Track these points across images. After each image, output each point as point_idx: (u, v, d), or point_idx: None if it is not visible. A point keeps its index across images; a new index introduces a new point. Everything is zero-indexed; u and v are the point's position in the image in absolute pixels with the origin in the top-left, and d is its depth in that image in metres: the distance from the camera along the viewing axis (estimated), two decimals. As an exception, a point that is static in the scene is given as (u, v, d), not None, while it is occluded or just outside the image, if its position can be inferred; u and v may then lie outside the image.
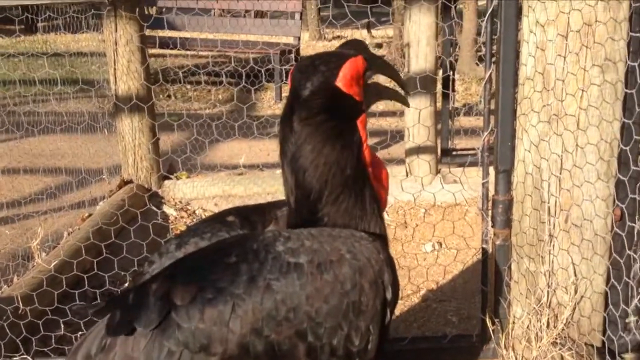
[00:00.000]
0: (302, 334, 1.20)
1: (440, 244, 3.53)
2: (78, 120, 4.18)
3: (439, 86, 4.38)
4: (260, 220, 1.51)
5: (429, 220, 3.80)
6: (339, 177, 1.36)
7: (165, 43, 6.77)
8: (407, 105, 1.65)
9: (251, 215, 1.52)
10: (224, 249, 1.32)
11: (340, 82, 1.37)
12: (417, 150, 3.97)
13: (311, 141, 1.35)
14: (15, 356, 2.19)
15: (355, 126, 1.40)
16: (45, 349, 2.25)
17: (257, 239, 1.31)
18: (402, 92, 1.64)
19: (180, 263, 1.35)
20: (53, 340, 2.32)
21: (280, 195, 1.50)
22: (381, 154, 4.73)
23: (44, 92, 4.61)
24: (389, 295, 1.32)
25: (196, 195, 4.25)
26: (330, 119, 1.36)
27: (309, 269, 1.23)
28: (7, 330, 2.26)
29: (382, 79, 1.60)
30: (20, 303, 2.38)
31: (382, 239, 1.42)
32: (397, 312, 2.87)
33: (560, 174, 1.94)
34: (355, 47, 1.49)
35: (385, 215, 3.88)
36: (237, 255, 1.26)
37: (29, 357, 2.18)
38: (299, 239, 1.29)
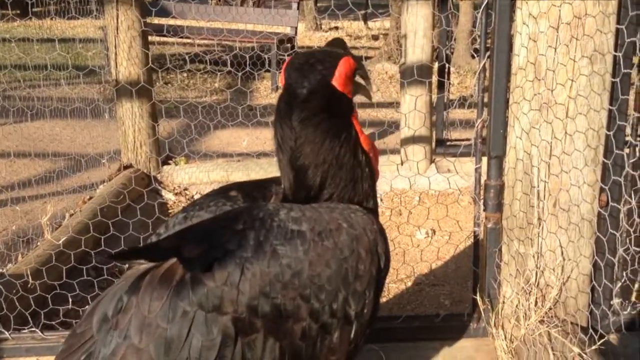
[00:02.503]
0: (305, 296, 1.28)
1: (434, 231, 3.62)
2: (77, 106, 4.23)
3: (435, 78, 4.46)
4: (261, 195, 1.58)
5: (423, 208, 3.89)
6: (338, 172, 1.44)
7: (159, 30, 6.80)
8: (370, 98, 1.70)
9: (252, 191, 1.59)
10: (231, 218, 1.38)
11: (336, 81, 1.42)
12: (412, 139, 4.05)
13: (311, 141, 1.41)
14: (24, 329, 2.26)
15: (350, 123, 1.47)
16: (53, 322, 2.31)
17: (262, 208, 1.38)
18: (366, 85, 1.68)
19: (189, 229, 1.43)
20: (61, 314, 2.40)
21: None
22: (377, 143, 4.81)
23: (42, 77, 4.66)
24: (382, 263, 1.40)
25: (194, 181, 4.33)
26: (328, 118, 1.41)
27: (311, 236, 1.31)
28: (17, 304, 2.32)
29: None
30: (30, 277, 2.45)
31: (373, 212, 1.50)
32: (391, 294, 2.97)
33: (550, 160, 2.02)
34: (337, 47, 1.54)
35: (379, 202, 3.97)
36: (245, 223, 1.33)
37: (37, 330, 2.25)
38: (300, 209, 1.37)
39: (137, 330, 1.25)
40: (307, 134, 1.41)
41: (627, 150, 2.01)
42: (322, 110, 1.41)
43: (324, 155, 1.42)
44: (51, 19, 4.80)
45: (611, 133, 1.94)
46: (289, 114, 1.41)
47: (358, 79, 1.55)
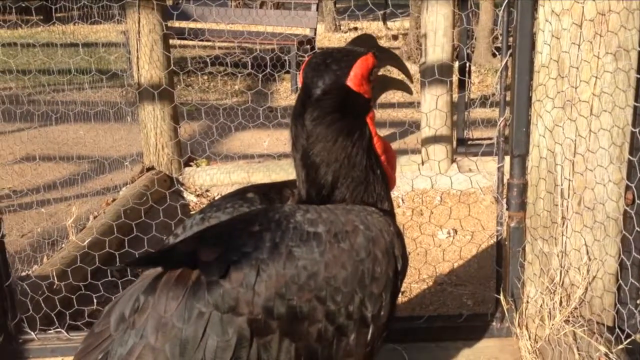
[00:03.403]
0: (321, 298, 1.28)
1: (456, 231, 3.60)
2: (100, 109, 4.28)
3: (455, 77, 4.43)
4: (278, 196, 1.58)
5: (444, 207, 3.87)
6: (349, 172, 1.44)
7: (180, 33, 6.84)
8: (411, 92, 1.69)
9: (269, 192, 1.59)
10: (247, 220, 1.39)
11: (351, 82, 1.43)
12: (434, 139, 4.03)
13: (322, 140, 1.41)
14: (50, 329, 2.29)
15: (364, 123, 1.46)
16: (79, 323, 2.34)
17: (278, 210, 1.38)
18: (407, 81, 1.68)
19: (206, 231, 1.43)
20: (86, 314, 2.43)
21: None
22: (397, 144, 4.79)
23: (66, 82, 4.72)
24: (399, 265, 1.39)
25: (215, 182, 4.35)
26: (341, 118, 1.42)
27: (327, 238, 1.31)
28: (42, 305, 2.35)
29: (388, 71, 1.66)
30: (55, 278, 2.49)
31: (390, 214, 1.49)
32: (413, 294, 2.96)
33: (574, 158, 2.00)
34: (366, 42, 1.54)
35: (400, 202, 3.95)
36: (260, 225, 1.33)
37: (63, 331, 2.28)
38: (316, 211, 1.37)
39: (153, 330, 1.26)
40: (318, 133, 1.41)
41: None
42: (335, 109, 1.41)
43: (335, 154, 1.42)
44: (74, 24, 4.87)
45: (637, 130, 1.91)
46: (302, 113, 1.43)
47: (382, 71, 1.55)
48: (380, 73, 1.55)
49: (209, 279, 1.26)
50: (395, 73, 1.72)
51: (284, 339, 1.27)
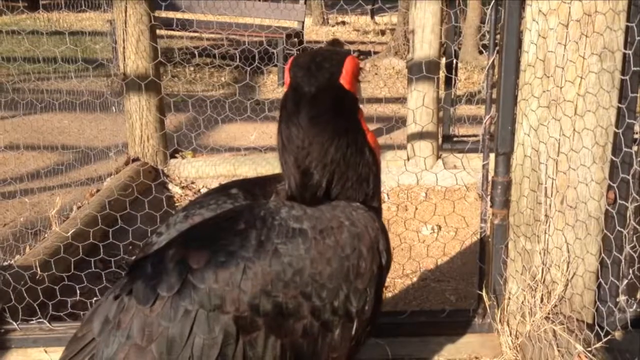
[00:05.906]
0: (306, 294, 1.28)
1: (440, 227, 3.62)
2: (86, 99, 4.25)
3: (442, 74, 4.45)
4: (262, 192, 1.57)
5: (429, 204, 3.89)
6: (345, 172, 1.43)
7: (168, 24, 6.80)
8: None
9: (253, 188, 1.58)
10: (232, 217, 1.38)
11: (344, 80, 1.41)
12: (420, 135, 4.05)
13: (319, 140, 1.38)
14: (32, 320, 2.28)
15: (358, 122, 1.46)
16: (61, 314, 2.33)
17: (263, 207, 1.38)
18: None
19: (192, 231, 1.42)
20: (69, 305, 2.42)
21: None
22: (383, 139, 4.81)
23: (51, 70, 4.67)
24: (383, 260, 1.40)
25: (201, 175, 4.33)
26: (336, 116, 1.40)
27: (312, 234, 1.31)
28: (25, 295, 2.34)
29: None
30: (38, 269, 2.47)
31: (375, 210, 1.48)
32: (397, 289, 2.97)
33: (558, 157, 2.02)
34: (337, 45, 1.56)
35: (386, 197, 3.97)
36: (246, 222, 1.33)
37: (45, 321, 2.27)
38: (301, 207, 1.37)
39: (139, 329, 1.26)
40: (315, 133, 1.38)
41: (635, 148, 2.01)
42: (331, 108, 1.39)
43: (331, 155, 1.39)
44: (60, 12, 4.82)
45: (620, 131, 1.93)
46: (296, 113, 1.38)
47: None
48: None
49: (201, 286, 1.26)
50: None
51: (269, 336, 1.27)
